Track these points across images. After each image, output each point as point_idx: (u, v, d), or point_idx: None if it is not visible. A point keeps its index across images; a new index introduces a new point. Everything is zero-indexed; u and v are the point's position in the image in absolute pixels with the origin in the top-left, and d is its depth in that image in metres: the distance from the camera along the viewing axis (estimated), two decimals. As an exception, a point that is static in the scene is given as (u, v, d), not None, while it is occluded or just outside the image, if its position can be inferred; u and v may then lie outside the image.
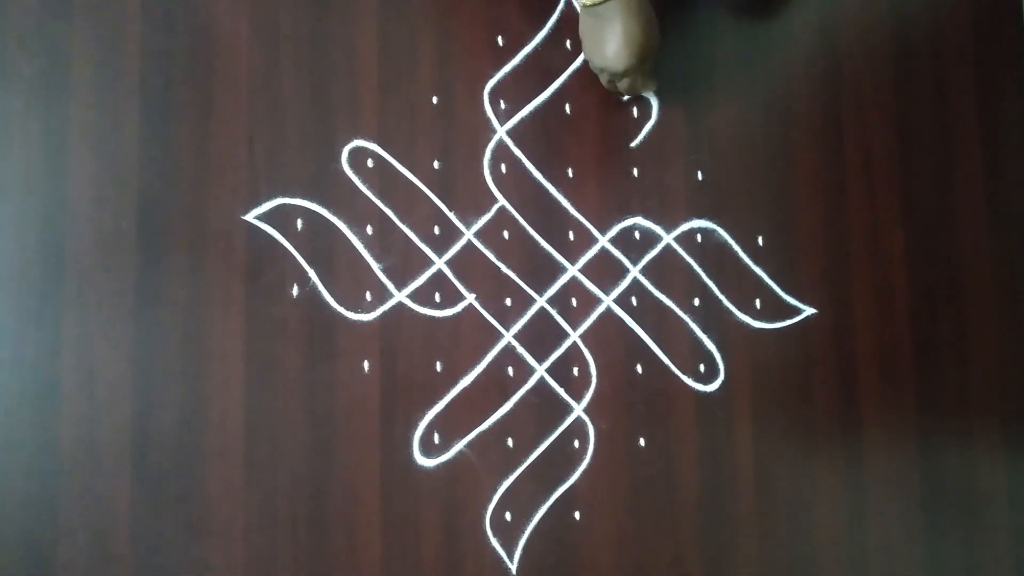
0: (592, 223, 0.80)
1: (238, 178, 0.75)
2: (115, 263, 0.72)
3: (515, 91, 0.80)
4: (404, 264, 0.76)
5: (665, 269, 0.80)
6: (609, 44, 0.71)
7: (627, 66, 0.72)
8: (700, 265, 0.81)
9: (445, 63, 0.79)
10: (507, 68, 0.80)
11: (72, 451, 0.70)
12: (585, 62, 0.79)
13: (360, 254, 0.76)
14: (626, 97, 0.81)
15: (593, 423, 0.77)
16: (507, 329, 0.77)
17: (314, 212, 0.75)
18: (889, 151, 0.85)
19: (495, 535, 0.75)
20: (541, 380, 0.77)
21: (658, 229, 0.81)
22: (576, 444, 0.77)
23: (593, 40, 0.73)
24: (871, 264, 0.84)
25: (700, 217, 0.82)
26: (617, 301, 0.79)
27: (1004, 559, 0.83)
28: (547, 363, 0.77)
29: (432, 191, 0.77)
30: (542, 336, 0.78)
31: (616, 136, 0.81)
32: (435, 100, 0.78)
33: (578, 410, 0.77)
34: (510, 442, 0.76)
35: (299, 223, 0.75)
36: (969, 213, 0.86)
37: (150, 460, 0.71)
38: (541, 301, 0.78)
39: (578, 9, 0.74)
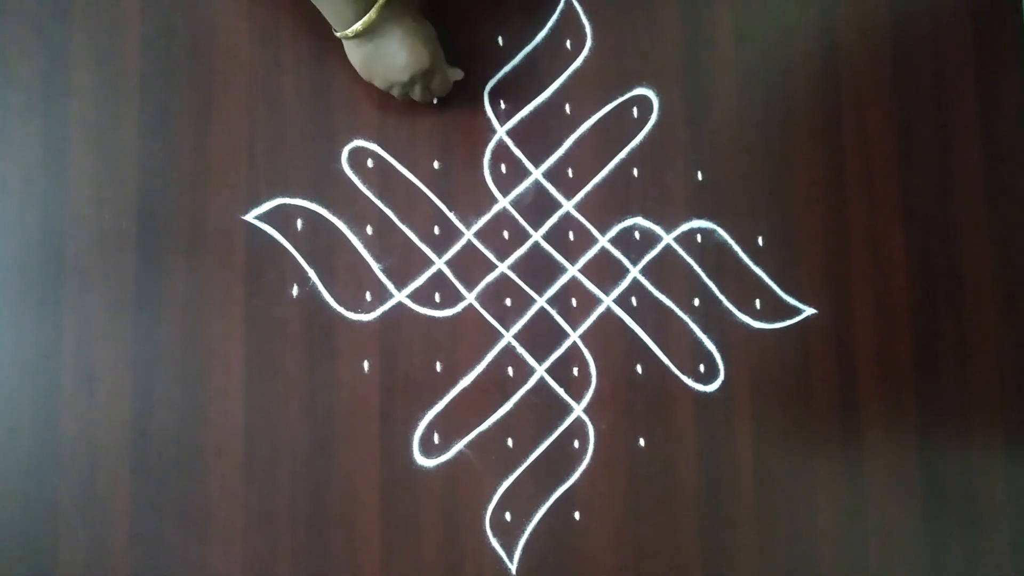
0: (592, 223, 0.80)
1: (238, 178, 0.75)
2: (115, 263, 0.72)
3: (515, 91, 0.80)
4: (404, 264, 0.76)
5: (665, 269, 0.80)
6: (389, 60, 0.68)
7: (414, 72, 0.69)
8: (700, 265, 0.81)
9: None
10: (507, 68, 0.80)
11: (72, 451, 0.70)
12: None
13: (360, 254, 0.76)
14: (436, 100, 0.77)
15: (593, 423, 0.77)
16: (507, 329, 0.77)
17: (314, 212, 0.75)
18: (889, 151, 0.85)
19: (495, 535, 0.75)
20: (541, 380, 0.77)
21: (658, 229, 0.81)
22: (576, 444, 0.77)
23: (371, 62, 0.69)
24: (871, 264, 0.84)
25: (700, 217, 0.81)
26: (617, 301, 0.79)
27: (1004, 559, 0.82)
28: (547, 363, 0.77)
29: (432, 191, 0.77)
30: (542, 336, 0.77)
31: (616, 136, 0.81)
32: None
33: (578, 410, 0.77)
34: (510, 442, 0.76)
35: (299, 223, 0.75)
36: (969, 213, 0.86)
37: (150, 460, 0.71)
38: (541, 301, 0.78)
39: (346, 40, 0.69)
